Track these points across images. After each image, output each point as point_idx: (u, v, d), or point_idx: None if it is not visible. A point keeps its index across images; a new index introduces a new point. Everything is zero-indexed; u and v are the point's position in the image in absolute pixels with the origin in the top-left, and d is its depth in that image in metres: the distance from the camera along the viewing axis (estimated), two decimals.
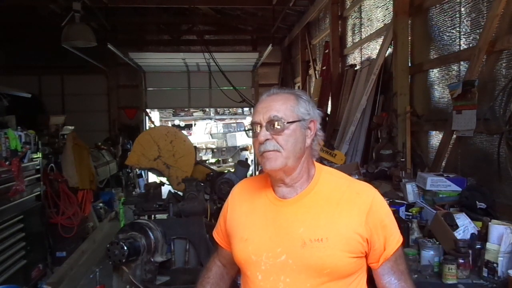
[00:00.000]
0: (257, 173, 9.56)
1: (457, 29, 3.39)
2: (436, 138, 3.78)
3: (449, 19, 3.49)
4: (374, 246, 1.28)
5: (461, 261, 2.08)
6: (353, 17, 6.14)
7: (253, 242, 1.33)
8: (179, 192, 3.71)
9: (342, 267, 1.25)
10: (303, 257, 1.25)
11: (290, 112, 1.29)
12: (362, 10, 5.71)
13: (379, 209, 1.31)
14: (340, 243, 1.25)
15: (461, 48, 3.33)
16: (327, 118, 6.50)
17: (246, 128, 1.36)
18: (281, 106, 1.29)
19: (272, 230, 1.31)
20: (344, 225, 1.27)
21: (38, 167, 4.74)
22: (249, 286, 1.34)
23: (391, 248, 1.29)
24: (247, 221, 1.38)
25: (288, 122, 1.28)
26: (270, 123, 1.28)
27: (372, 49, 5.31)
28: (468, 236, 2.31)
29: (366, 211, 1.28)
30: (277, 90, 1.36)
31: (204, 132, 21.43)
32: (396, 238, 1.31)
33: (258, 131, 1.29)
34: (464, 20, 3.28)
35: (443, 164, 3.52)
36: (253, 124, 1.32)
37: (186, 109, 22.95)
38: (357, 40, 5.92)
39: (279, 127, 1.27)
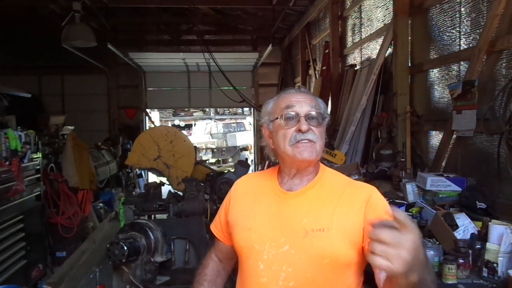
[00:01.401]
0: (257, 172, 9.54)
1: (457, 29, 3.39)
2: (436, 138, 3.78)
3: (449, 19, 3.49)
4: (366, 227, 1.27)
5: (461, 261, 2.08)
6: (353, 17, 6.14)
7: (257, 231, 1.35)
8: (179, 192, 3.70)
9: (342, 256, 1.27)
10: (304, 246, 1.28)
11: (320, 109, 1.37)
12: (362, 10, 5.71)
13: (377, 202, 1.33)
14: (340, 234, 1.27)
15: (461, 48, 3.33)
16: None
17: (279, 121, 1.36)
18: (314, 102, 1.38)
19: (276, 221, 1.34)
20: (345, 215, 1.30)
21: (38, 167, 4.74)
22: (250, 275, 1.35)
23: None
24: (251, 212, 1.41)
25: (324, 117, 1.37)
26: (310, 115, 1.34)
27: (372, 49, 5.31)
28: (468, 236, 2.31)
29: (365, 203, 1.31)
30: (304, 89, 1.46)
31: (204, 132, 21.42)
32: None
33: (295, 121, 1.34)
34: (464, 20, 3.28)
35: (443, 164, 3.52)
36: (288, 114, 1.35)
37: (186, 109, 22.95)
38: (357, 40, 5.92)
39: (319, 119, 1.35)
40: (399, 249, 0.85)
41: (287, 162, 1.38)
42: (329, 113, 6.53)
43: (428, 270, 1.01)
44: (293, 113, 1.34)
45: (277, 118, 1.37)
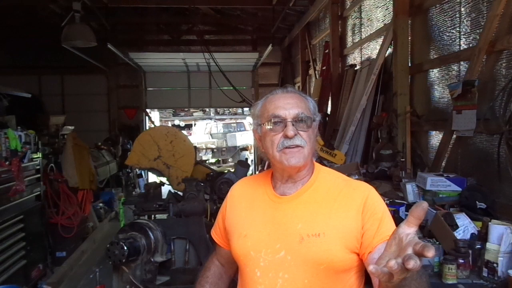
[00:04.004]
0: (257, 172, 9.57)
1: (457, 29, 3.39)
2: (436, 138, 3.78)
3: (449, 19, 3.49)
4: (365, 236, 1.25)
5: (461, 261, 2.08)
6: (353, 17, 6.14)
7: (252, 238, 1.34)
8: (179, 192, 3.71)
9: (338, 262, 1.25)
10: (300, 252, 1.26)
11: (309, 110, 1.34)
12: (362, 10, 5.71)
13: (375, 202, 1.31)
14: (336, 238, 1.25)
15: (461, 48, 3.33)
16: (327, 118, 6.50)
17: (266, 126, 1.33)
18: (302, 104, 1.33)
19: (271, 227, 1.32)
20: (341, 220, 1.27)
21: (38, 167, 4.74)
22: (248, 283, 1.34)
23: (378, 239, 1.23)
24: (246, 218, 1.39)
25: (313, 121, 1.32)
26: (297, 119, 1.30)
27: (372, 49, 5.31)
28: (468, 236, 2.31)
29: (363, 204, 1.28)
30: (290, 88, 1.39)
31: (204, 132, 21.41)
32: (388, 232, 1.22)
33: (282, 125, 1.30)
34: (464, 20, 3.28)
35: (443, 164, 3.52)
36: (275, 118, 1.31)
37: (186, 109, 22.95)
38: (357, 40, 5.93)
39: (307, 123, 1.31)
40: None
41: (277, 168, 1.36)
42: (328, 113, 6.59)
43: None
44: (279, 118, 1.30)
45: (264, 123, 1.34)
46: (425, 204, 0.88)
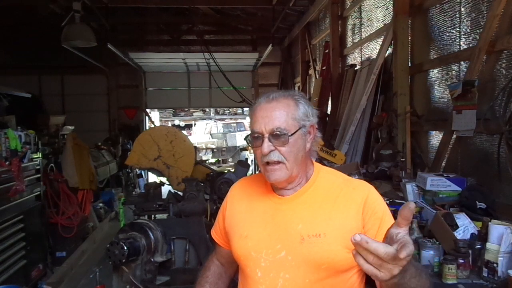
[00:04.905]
0: (257, 172, 9.56)
1: (457, 29, 3.39)
2: (436, 138, 3.78)
3: (449, 19, 3.49)
4: (367, 236, 1.26)
5: (461, 261, 2.08)
6: (353, 17, 6.14)
7: (253, 239, 1.34)
8: (179, 192, 3.71)
9: (339, 262, 1.25)
10: (301, 253, 1.26)
11: (291, 121, 1.28)
12: (362, 10, 5.71)
13: (375, 201, 1.31)
14: (337, 238, 1.25)
15: (461, 48, 3.33)
16: (327, 118, 6.50)
17: (248, 139, 1.33)
18: (282, 115, 1.27)
19: (271, 227, 1.33)
20: (341, 220, 1.27)
21: (38, 167, 4.74)
22: (249, 283, 1.34)
23: (380, 239, 1.24)
24: (246, 218, 1.39)
25: (291, 134, 1.27)
26: (273, 134, 1.26)
27: (372, 49, 5.31)
28: (468, 236, 2.31)
29: (363, 203, 1.28)
30: (276, 94, 1.32)
31: (204, 132, 21.44)
32: None
33: (260, 141, 1.28)
34: (464, 20, 3.28)
35: (443, 164, 3.52)
36: (254, 133, 1.30)
37: (186, 109, 22.96)
38: (357, 40, 5.93)
39: (282, 139, 1.26)
40: (391, 264, 0.88)
41: None
42: (328, 113, 6.59)
43: (414, 269, 1.05)
44: (257, 133, 1.28)
45: (249, 135, 1.33)
46: (412, 205, 0.90)
